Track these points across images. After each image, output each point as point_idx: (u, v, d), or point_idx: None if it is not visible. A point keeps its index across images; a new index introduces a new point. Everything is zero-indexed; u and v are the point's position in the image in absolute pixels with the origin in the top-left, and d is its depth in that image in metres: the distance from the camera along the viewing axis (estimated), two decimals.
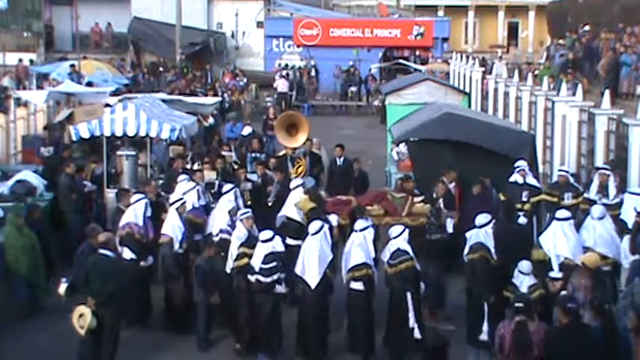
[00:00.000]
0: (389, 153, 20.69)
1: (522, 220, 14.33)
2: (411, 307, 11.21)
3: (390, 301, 11.55)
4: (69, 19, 44.54)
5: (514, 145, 15.34)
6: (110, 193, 17.30)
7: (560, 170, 15.75)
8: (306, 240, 11.74)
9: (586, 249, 11.56)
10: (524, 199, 14.59)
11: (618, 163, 15.99)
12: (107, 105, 19.27)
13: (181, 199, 13.38)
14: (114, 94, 23.95)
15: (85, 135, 17.45)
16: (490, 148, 15.11)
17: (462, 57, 39.06)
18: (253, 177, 16.75)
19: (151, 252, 13.06)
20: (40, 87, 28.34)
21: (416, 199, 14.18)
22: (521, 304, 9.18)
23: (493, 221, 11.85)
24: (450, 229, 13.90)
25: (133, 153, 17.65)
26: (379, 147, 23.98)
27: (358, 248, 11.56)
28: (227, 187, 14.12)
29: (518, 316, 9.12)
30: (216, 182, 16.08)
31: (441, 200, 14.29)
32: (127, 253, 12.80)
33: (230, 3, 47.50)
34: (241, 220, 12.30)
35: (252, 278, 11.51)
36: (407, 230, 11.67)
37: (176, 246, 12.75)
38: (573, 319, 8.98)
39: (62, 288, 11.13)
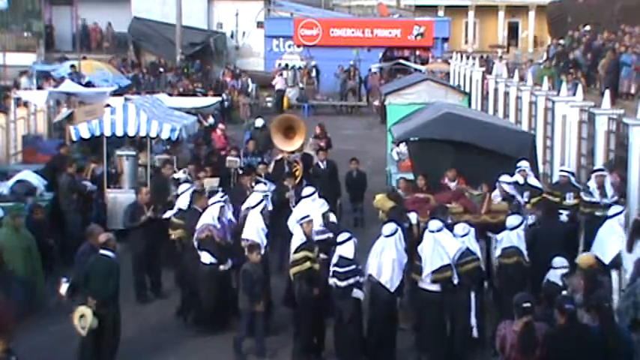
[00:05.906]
0: (389, 153, 20.69)
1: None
2: (473, 307, 11.26)
3: (451, 299, 11.50)
4: (69, 19, 44.53)
5: (514, 146, 15.31)
6: (110, 193, 17.34)
7: (561, 171, 15.73)
8: (379, 241, 11.54)
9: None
10: (525, 199, 14.57)
11: (618, 163, 15.99)
12: (107, 105, 19.26)
13: (262, 200, 13.06)
14: (115, 94, 23.93)
15: (85, 135, 17.45)
16: (490, 148, 15.10)
17: (462, 57, 39.05)
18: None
19: (231, 256, 12.66)
20: (40, 87, 28.31)
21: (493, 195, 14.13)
22: (529, 304, 9.12)
23: (524, 223, 11.91)
24: None
25: (133, 153, 17.65)
26: (379, 147, 23.98)
27: (437, 249, 11.35)
28: (309, 189, 13.83)
29: (526, 317, 9.05)
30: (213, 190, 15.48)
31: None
32: (206, 257, 12.53)
33: (230, 3, 47.48)
34: (301, 225, 11.95)
35: (330, 281, 11.37)
36: (473, 229, 11.71)
37: (262, 251, 12.26)
38: (569, 319, 8.94)
39: (63, 288, 11.15)
